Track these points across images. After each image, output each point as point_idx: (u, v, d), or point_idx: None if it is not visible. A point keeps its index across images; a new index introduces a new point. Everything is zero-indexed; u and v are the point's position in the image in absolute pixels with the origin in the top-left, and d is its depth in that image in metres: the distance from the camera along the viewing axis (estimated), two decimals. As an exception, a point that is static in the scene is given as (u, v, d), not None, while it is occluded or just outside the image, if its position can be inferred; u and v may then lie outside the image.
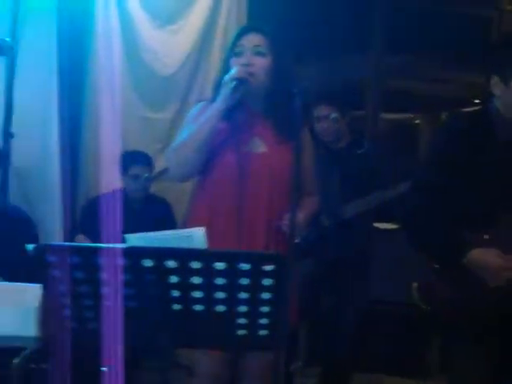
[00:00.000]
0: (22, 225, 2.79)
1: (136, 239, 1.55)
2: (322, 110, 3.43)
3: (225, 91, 2.24)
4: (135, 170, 3.84)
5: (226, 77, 2.26)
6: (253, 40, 2.36)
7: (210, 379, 2.38)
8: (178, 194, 4.34)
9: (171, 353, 1.77)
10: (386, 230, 4.13)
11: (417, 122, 7.84)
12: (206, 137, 2.27)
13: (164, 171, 3.62)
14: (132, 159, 3.88)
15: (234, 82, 2.22)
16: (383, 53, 5.13)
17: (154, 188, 4.08)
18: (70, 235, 3.79)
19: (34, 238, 2.85)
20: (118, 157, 3.94)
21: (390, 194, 3.33)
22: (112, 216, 3.69)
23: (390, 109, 6.43)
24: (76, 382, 3.39)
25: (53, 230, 3.87)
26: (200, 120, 2.29)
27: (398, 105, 6.80)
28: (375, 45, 5.10)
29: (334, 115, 3.42)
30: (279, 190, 2.30)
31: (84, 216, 3.94)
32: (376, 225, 3.83)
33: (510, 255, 2.14)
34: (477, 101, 5.93)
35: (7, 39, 2.02)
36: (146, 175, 3.76)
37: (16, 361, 2.33)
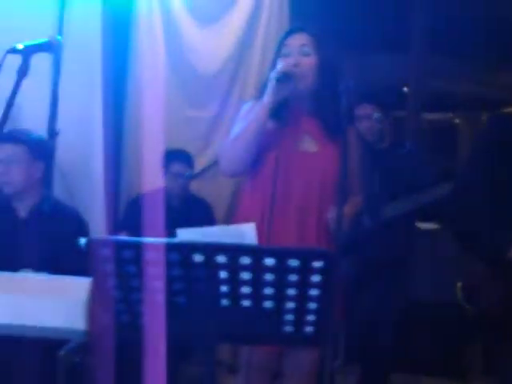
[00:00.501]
0: (73, 223, 2.84)
1: (187, 234, 1.57)
2: (364, 109, 3.42)
3: (271, 85, 2.27)
4: (176, 167, 3.88)
5: (272, 73, 2.29)
6: (299, 40, 2.38)
7: (256, 372, 2.40)
8: (217, 194, 4.39)
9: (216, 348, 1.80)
10: (427, 230, 4.11)
11: (456, 121, 7.77)
12: (255, 133, 2.30)
13: (205, 170, 3.65)
14: (173, 157, 3.92)
15: (279, 75, 2.23)
16: (424, 53, 5.09)
17: (193, 187, 4.12)
18: (112, 232, 3.84)
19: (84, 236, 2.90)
20: (160, 155, 3.99)
21: (432, 196, 3.31)
22: (154, 214, 3.75)
23: (430, 109, 6.38)
24: (119, 376, 3.45)
25: (96, 226, 3.92)
26: (249, 117, 2.32)
27: (437, 105, 6.75)
28: (416, 45, 5.06)
29: (376, 115, 3.42)
30: (329, 190, 2.32)
31: (127, 213, 4.00)
32: (417, 225, 3.80)
33: None
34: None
35: (58, 37, 2.04)
36: (187, 173, 3.80)
37: (61, 353, 2.37)
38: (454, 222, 2.36)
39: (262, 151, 2.35)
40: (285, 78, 2.26)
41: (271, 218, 2.15)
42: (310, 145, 2.38)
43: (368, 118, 3.42)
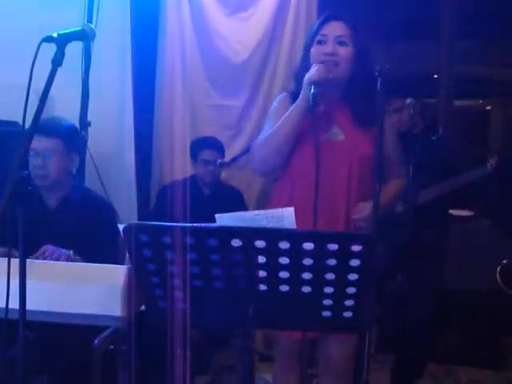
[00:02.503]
0: (102, 211, 2.86)
1: (226, 219, 1.57)
2: (394, 104, 3.40)
3: (305, 94, 2.24)
4: (205, 155, 3.88)
5: (306, 76, 2.26)
6: (336, 29, 2.34)
7: (290, 359, 2.40)
8: (248, 183, 4.39)
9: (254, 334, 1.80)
10: (461, 217, 4.06)
11: (488, 108, 7.66)
12: (289, 134, 2.30)
13: (237, 157, 3.65)
14: (204, 145, 3.93)
15: (313, 90, 2.21)
16: (454, 39, 5.02)
17: (224, 176, 4.12)
18: (144, 221, 3.86)
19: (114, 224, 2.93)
20: (190, 144, 4.00)
21: (465, 180, 3.29)
22: (184, 202, 3.77)
23: (461, 95, 6.30)
24: (152, 363, 3.48)
25: (128, 215, 3.96)
26: (283, 118, 2.31)
27: (468, 91, 6.66)
28: (446, 31, 5.00)
29: (409, 100, 3.39)
30: (358, 178, 2.31)
31: (158, 203, 4.02)
32: (451, 212, 3.77)
33: None
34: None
35: (91, 25, 2.04)
36: (220, 161, 3.80)
37: (96, 342, 2.39)
38: (494, 208, 2.33)
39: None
40: (318, 88, 2.23)
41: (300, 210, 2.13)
42: (337, 134, 2.36)
43: (399, 112, 3.40)
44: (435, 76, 5.22)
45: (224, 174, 4.14)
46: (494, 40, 5.82)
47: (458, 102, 6.20)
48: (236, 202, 3.90)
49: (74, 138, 2.85)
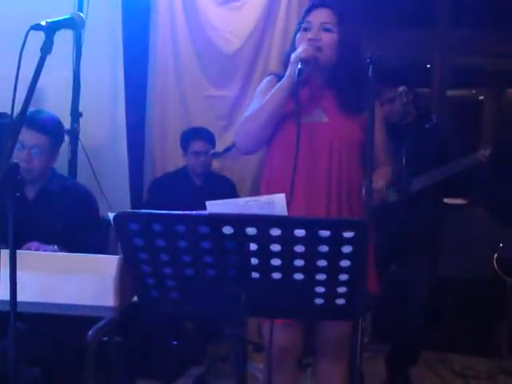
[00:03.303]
0: (81, 200, 2.86)
1: (216, 206, 1.56)
2: (388, 94, 3.39)
3: (291, 71, 2.25)
4: (196, 146, 3.87)
5: (293, 55, 2.26)
6: (321, 16, 2.36)
7: (282, 351, 2.39)
8: (240, 173, 4.38)
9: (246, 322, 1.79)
10: (455, 206, 4.06)
11: (480, 98, 7.65)
12: (273, 111, 2.31)
13: (229, 148, 3.63)
14: (194, 135, 3.91)
15: (300, 66, 2.21)
16: (448, 28, 5.01)
17: (216, 166, 4.11)
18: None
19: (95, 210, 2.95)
20: (182, 134, 3.98)
21: (458, 167, 3.29)
22: (177, 193, 3.75)
23: (453, 85, 6.30)
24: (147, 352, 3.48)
25: (121, 206, 3.94)
26: (269, 95, 2.31)
27: (461, 81, 6.65)
28: (440, 20, 4.99)
29: (401, 88, 3.38)
30: (339, 163, 2.32)
31: (150, 193, 4.00)
32: (445, 200, 3.77)
33: None
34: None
35: (81, 14, 2.02)
36: (213, 151, 3.78)
37: (90, 332, 2.39)
38: (488, 195, 2.33)
39: (277, 127, 2.36)
40: (305, 65, 2.23)
41: (291, 191, 2.12)
42: (320, 116, 2.37)
43: (390, 103, 3.39)
44: (428, 66, 5.21)
45: (217, 165, 4.13)
46: (487, 30, 5.81)
47: (450, 92, 6.19)
48: (228, 192, 3.88)
49: (60, 135, 2.85)
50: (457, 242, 4.00)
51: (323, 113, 2.38)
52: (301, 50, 2.26)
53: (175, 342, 3.55)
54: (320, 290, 1.62)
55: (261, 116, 2.33)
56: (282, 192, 1.61)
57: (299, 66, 2.22)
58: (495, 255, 2.26)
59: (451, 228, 3.80)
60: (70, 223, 2.72)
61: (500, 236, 2.92)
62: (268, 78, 2.52)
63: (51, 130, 2.74)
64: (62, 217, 2.73)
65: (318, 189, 2.32)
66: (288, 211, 1.61)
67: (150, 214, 1.55)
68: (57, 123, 2.82)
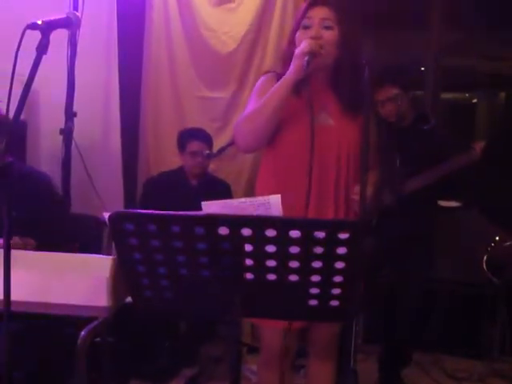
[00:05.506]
0: (41, 187, 2.84)
1: (212, 206, 1.55)
2: (384, 93, 3.39)
3: (298, 64, 2.21)
4: (193, 146, 3.85)
5: (297, 50, 2.24)
6: (320, 13, 2.33)
7: (276, 353, 2.39)
8: (236, 174, 4.38)
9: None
10: (448, 208, 4.07)
11: (474, 100, 7.69)
12: (276, 108, 2.25)
13: (224, 148, 3.63)
14: (190, 136, 3.90)
15: (307, 57, 2.19)
16: (442, 31, 5.02)
17: (211, 167, 4.11)
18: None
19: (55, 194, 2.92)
20: (177, 135, 3.98)
21: (448, 168, 3.29)
22: (171, 194, 3.75)
23: (447, 88, 6.32)
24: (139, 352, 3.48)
25: (114, 206, 3.94)
26: (272, 90, 2.27)
27: (454, 83, 6.68)
28: (435, 23, 5.00)
29: (396, 91, 3.39)
30: (346, 163, 2.31)
31: (144, 194, 4.00)
32: (439, 203, 3.77)
33: None
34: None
35: (77, 13, 2.02)
36: (207, 152, 3.78)
37: (83, 333, 2.38)
38: (481, 197, 2.34)
39: (279, 125, 2.31)
40: (312, 57, 2.21)
41: (289, 193, 2.10)
42: (326, 118, 2.35)
43: (389, 101, 3.39)
44: (422, 68, 5.22)
45: (212, 166, 4.12)
46: (481, 33, 5.83)
47: (444, 95, 6.21)
48: (223, 193, 3.88)
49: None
50: (450, 244, 4.01)
51: (328, 115, 2.35)
52: (305, 44, 2.22)
53: (168, 343, 3.55)
54: (314, 291, 1.62)
55: (264, 112, 2.26)
56: (281, 193, 1.61)
57: (307, 58, 2.18)
58: (484, 257, 2.26)
59: (445, 230, 3.81)
60: (31, 208, 2.68)
61: (492, 239, 2.92)
62: (268, 75, 2.46)
63: None
64: (22, 204, 2.71)
65: (327, 193, 2.30)
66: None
67: (146, 214, 1.55)
68: None
